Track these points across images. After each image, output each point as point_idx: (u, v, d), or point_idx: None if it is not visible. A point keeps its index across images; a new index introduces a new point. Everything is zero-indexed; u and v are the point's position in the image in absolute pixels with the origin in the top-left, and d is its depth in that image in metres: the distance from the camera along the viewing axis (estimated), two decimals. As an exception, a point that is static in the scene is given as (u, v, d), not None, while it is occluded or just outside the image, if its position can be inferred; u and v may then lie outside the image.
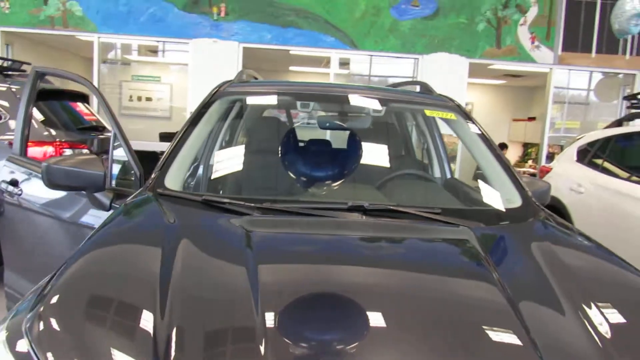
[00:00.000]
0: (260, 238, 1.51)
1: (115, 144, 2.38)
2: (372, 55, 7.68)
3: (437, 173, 3.22)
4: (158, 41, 7.80)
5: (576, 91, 8.88)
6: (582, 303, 1.26)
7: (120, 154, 2.41)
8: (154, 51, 9.15)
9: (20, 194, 2.62)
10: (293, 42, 7.32)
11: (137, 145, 6.68)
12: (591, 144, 4.64)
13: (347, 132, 2.54)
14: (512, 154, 11.29)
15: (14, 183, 2.65)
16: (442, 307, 1.25)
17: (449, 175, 3.19)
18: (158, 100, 10.97)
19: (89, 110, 5.18)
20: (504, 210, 1.99)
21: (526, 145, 11.24)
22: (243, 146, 2.52)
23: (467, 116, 2.54)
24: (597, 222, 3.88)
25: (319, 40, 7.33)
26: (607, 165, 4.34)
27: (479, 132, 2.45)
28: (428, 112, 2.56)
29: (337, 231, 1.66)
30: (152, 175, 2.02)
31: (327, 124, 2.65)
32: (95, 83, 7.63)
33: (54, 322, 1.10)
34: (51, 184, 2.13)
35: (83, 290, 1.23)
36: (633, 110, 4.65)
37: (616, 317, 1.23)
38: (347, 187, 2.28)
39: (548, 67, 7.69)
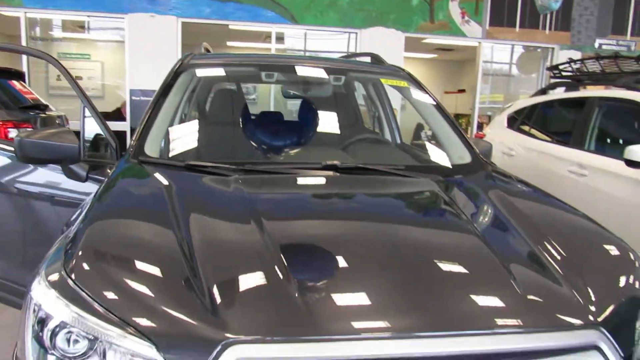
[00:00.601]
0: (256, 195, 1.67)
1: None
2: (312, 30, 7.79)
3: (388, 138, 3.46)
4: (91, 16, 7.49)
5: (500, 65, 9.47)
6: (539, 238, 1.50)
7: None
8: (81, 27, 8.76)
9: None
10: (233, 17, 7.29)
11: (75, 126, 6.53)
12: (519, 112, 5.07)
13: (312, 100, 2.70)
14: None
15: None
16: (428, 240, 1.49)
17: (398, 140, 3.44)
18: (89, 79, 10.50)
19: (27, 89, 5.00)
20: (457, 165, 2.25)
21: (457, 116, 11.86)
22: (212, 115, 2.63)
23: (418, 84, 2.78)
24: (527, 180, 4.30)
25: (259, 15, 7.35)
26: (533, 130, 4.78)
27: (431, 98, 2.69)
28: (384, 81, 2.77)
29: (323, 188, 1.85)
30: (132, 143, 2.10)
31: (292, 93, 2.81)
32: (24, 63, 7.26)
33: (93, 265, 1.23)
34: (25, 157, 2.15)
35: (112, 240, 1.36)
36: (555, 80, 5.11)
37: (565, 248, 1.47)
38: (317, 150, 2.46)
39: (477, 40, 8.16)
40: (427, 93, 2.75)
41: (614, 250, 1.51)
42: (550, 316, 1.17)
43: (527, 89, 9.60)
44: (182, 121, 2.44)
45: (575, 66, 4.76)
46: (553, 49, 8.46)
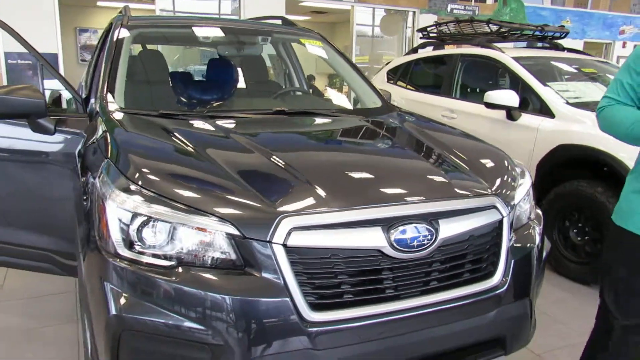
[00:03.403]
0: (236, 130, 2.12)
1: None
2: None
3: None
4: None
5: (365, 27, 10.33)
6: (448, 149, 2.16)
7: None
8: None
9: None
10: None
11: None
12: (396, 68, 5.87)
13: (246, 58, 3.12)
14: (319, 84, 12.63)
15: None
16: (379, 152, 2.13)
17: (307, 91, 3.99)
18: None
19: None
20: (373, 108, 2.86)
21: (331, 76, 12.67)
22: (156, 72, 2.90)
23: (329, 44, 3.33)
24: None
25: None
26: (409, 83, 5.62)
27: (341, 55, 3.26)
28: (303, 41, 3.26)
29: (286, 124, 2.36)
30: (101, 96, 2.37)
31: (227, 52, 3.18)
32: None
33: (151, 174, 1.63)
34: None
35: (152, 156, 1.78)
36: (423, 41, 5.97)
37: (466, 154, 2.13)
38: (256, 100, 2.92)
39: (350, 4, 8.87)
40: (338, 51, 3.30)
41: (495, 154, 2.24)
42: (467, 191, 1.83)
43: (388, 50, 10.67)
44: (129, 78, 2.68)
45: (440, 28, 5.63)
46: (415, 12, 9.50)
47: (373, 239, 1.55)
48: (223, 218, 1.48)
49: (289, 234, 1.47)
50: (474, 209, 1.76)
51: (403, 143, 2.23)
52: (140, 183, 1.57)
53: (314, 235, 1.50)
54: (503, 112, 4.12)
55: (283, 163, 1.79)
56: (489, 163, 2.11)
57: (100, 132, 2.07)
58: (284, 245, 1.46)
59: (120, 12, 3.33)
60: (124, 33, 2.74)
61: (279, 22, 3.59)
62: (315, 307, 1.49)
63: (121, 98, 2.42)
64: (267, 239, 1.46)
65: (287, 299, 1.45)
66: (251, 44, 3.12)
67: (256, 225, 1.48)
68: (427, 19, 9.44)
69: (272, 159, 1.82)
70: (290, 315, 1.45)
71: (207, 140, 2.00)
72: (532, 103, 4.07)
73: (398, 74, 5.79)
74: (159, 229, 1.50)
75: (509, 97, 4.00)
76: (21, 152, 2.60)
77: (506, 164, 2.15)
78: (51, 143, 2.50)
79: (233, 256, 1.49)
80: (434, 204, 1.69)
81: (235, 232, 1.47)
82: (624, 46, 12.73)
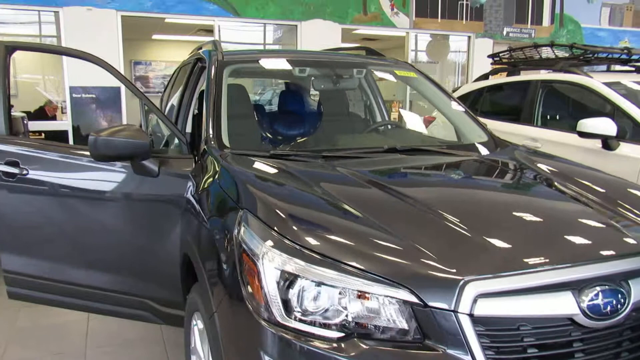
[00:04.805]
0: (362, 172, 1.94)
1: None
2: (253, 23, 7.88)
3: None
4: (21, 9, 6.96)
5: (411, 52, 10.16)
6: (601, 194, 1.93)
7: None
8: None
9: (26, 174, 2.53)
10: (174, 10, 7.19)
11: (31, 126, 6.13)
12: (466, 95, 5.66)
13: (340, 93, 2.99)
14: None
15: (14, 164, 2.55)
16: (537, 199, 1.91)
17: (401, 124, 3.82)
18: (-4, 76, 9.70)
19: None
20: (481, 143, 2.65)
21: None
22: (257, 108, 2.79)
23: (424, 75, 3.15)
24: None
25: (201, 8, 7.31)
26: (483, 110, 5.39)
27: (438, 86, 3.08)
28: (398, 73, 3.10)
29: (416, 167, 2.19)
30: (209, 137, 2.25)
31: (322, 86, 3.05)
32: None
33: (301, 227, 1.47)
34: (99, 155, 2.20)
35: (293, 206, 1.61)
36: (495, 66, 5.76)
37: (628, 202, 1.90)
38: (358, 136, 2.75)
39: (405, 31, 8.76)
40: (433, 82, 3.12)
41: None
42: None
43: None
44: (230, 115, 2.57)
45: (513, 53, 5.41)
46: (470, 37, 9.31)
47: (564, 305, 1.34)
48: (398, 283, 1.30)
49: (474, 301, 1.27)
50: None
51: (552, 186, 1.99)
52: (296, 240, 1.40)
53: (502, 302, 1.30)
54: (596, 141, 3.85)
55: (439, 213, 1.59)
56: None
57: (217, 175, 1.94)
58: (471, 315, 1.26)
59: (200, 47, 3.25)
60: (222, 69, 2.63)
61: (361, 52, 3.46)
62: None
63: (226, 138, 2.29)
64: (452, 308, 1.26)
65: None
66: (348, 77, 2.98)
67: (437, 291, 1.29)
68: (483, 44, 9.23)
69: (423, 208, 1.63)
70: None
71: (345, 188, 1.81)
72: (630, 131, 3.79)
73: (468, 102, 5.57)
74: (324, 294, 1.32)
75: (606, 125, 3.73)
76: (118, 194, 2.50)
77: None
78: (152, 185, 2.39)
79: (409, 326, 1.30)
80: (625, 262, 1.46)
81: (413, 299, 1.28)
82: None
